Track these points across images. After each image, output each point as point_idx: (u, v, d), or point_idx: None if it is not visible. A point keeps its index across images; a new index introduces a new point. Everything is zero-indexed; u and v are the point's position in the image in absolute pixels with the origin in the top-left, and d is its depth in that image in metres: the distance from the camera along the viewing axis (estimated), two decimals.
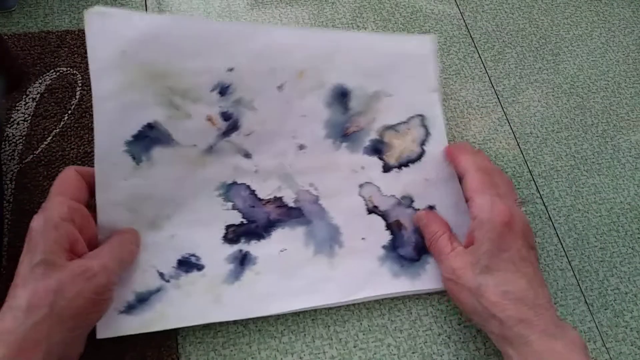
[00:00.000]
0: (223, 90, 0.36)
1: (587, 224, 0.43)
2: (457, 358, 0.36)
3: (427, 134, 0.41)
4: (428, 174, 0.40)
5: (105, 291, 0.30)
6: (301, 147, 0.39)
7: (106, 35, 0.33)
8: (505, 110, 0.48)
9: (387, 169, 0.40)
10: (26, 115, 0.42)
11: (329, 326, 0.37)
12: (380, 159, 0.40)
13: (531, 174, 0.45)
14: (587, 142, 0.47)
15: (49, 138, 0.41)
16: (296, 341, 0.36)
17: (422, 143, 0.41)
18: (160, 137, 0.35)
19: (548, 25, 0.54)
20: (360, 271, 0.38)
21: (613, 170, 0.46)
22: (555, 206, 0.44)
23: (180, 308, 0.35)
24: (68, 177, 0.33)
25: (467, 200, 0.36)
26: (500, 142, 0.46)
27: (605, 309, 0.39)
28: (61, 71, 0.44)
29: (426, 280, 0.38)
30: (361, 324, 0.37)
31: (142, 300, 0.34)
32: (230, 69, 0.36)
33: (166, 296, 0.35)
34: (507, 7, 0.54)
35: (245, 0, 0.51)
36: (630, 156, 0.47)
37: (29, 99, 0.43)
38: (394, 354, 0.36)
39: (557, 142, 0.47)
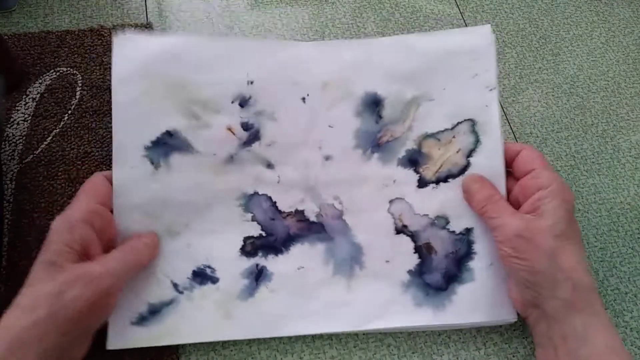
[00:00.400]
0: (243, 102, 0.36)
1: (587, 224, 0.43)
2: (457, 358, 0.36)
3: (477, 142, 0.37)
4: None
5: (105, 296, 0.29)
6: (327, 157, 0.37)
7: (130, 52, 0.35)
8: (505, 110, 0.48)
9: (422, 184, 0.37)
10: (26, 115, 0.42)
11: None
12: (416, 172, 0.37)
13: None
14: (587, 142, 0.47)
15: (49, 138, 0.41)
16: (296, 341, 0.36)
17: (469, 154, 0.37)
18: (180, 145, 0.35)
19: (548, 25, 0.54)
20: (380, 297, 0.36)
21: (613, 170, 0.46)
22: None
23: (191, 322, 0.34)
24: (96, 181, 0.33)
25: (522, 175, 0.35)
26: None
27: (605, 309, 0.39)
28: (61, 71, 0.44)
29: (450, 313, 0.35)
30: None
31: (154, 312, 0.34)
32: (251, 82, 0.36)
33: (178, 309, 0.34)
34: (507, 7, 0.54)
35: (245, 0, 0.51)
36: (630, 156, 0.47)
37: (29, 99, 0.43)
38: (394, 354, 0.36)
39: (557, 142, 0.47)
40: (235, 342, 0.35)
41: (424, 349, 0.36)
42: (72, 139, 0.41)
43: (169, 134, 0.35)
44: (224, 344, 0.35)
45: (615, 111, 0.49)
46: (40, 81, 0.44)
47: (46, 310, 0.27)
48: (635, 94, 0.50)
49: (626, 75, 0.51)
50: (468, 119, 0.37)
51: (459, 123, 0.37)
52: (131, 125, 0.35)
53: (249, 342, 0.36)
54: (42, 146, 0.41)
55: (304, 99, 0.37)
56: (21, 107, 0.42)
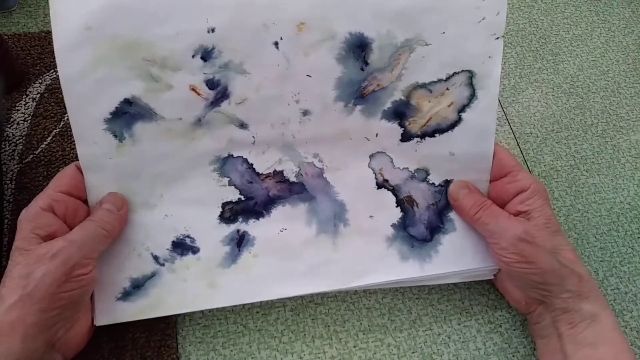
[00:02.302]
0: (206, 55, 0.32)
1: (586, 224, 0.43)
2: (457, 358, 0.36)
3: (472, 97, 0.34)
4: (456, 148, 0.35)
5: (74, 267, 0.29)
6: (305, 112, 0.34)
7: (69, 12, 0.31)
8: (505, 110, 0.48)
9: (406, 137, 0.35)
10: (26, 115, 0.42)
11: (329, 326, 0.37)
12: (401, 125, 0.35)
13: (531, 174, 0.45)
14: (587, 142, 0.47)
15: (49, 138, 0.41)
16: (296, 341, 0.36)
17: (462, 109, 0.34)
18: (142, 112, 0.33)
19: (548, 25, 0.54)
20: (366, 253, 0.35)
21: (613, 170, 0.46)
22: (555, 206, 0.44)
23: (176, 294, 0.34)
24: (64, 170, 0.33)
25: (497, 177, 0.36)
26: (500, 142, 0.46)
27: None
28: None
29: (437, 263, 0.35)
30: (361, 324, 0.37)
31: (138, 286, 0.34)
32: (212, 30, 0.32)
33: (161, 281, 0.34)
34: (507, 7, 0.54)
35: None
36: (630, 156, 0.47)
37: (29, 99, 0.43)
38: (394, 354, 0.36)
39: (557, 142, 0.47)
40: (235, 342, 0.35)
41: (424, 349, 0.36)
42: (72, 138, 0.41)
43: (127, 102, 0.32)
44: (224, 344, 0.35)
45: (615, 111, 0.49)
46: (40, 81, 0.44)
47: (19, 292, 0.28)
48: (635, 94, 0.50)
49: (626, 75, 0.51)
50: (466, 70, 0.34)
51: (455, 73, 0.34)
52: (85, 99, 0.32)
53: (249, 341, 0.36)
54: (42, 146, 0.41)
55: (276, 44, 0.33)
56: (21, 107, 0.42)
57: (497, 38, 0.33)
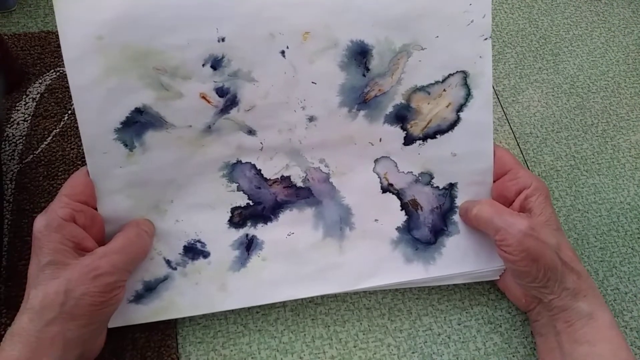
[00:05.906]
0: (216, 64, 0.33)
1: (586, 224, 0.43)
2: (457, 358, 0.36)
3: (468, 96, 0.36)
4: (457, 148, 0.36)
5: (113, 289, 0.30)
6: (311, 118, 0.35)
7: (78, 21, 0.31)
8: (505, 110, 0.48)
9: (409, 141, 0.36)
10: (26, 115, 0.42)
11: (329, 326, 0.37)
12: (403, 128, 0.36)
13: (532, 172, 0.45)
14: (587, 142, 0.47)
15: (49, 138, 0.41)
16: (296, 341, 0.36)
17: (459, 109, 0.36)
18: (152, 121, 0.33)
19: (548, 25, 0.54)
20: (371, 256, 0.36)
21: (613, 170, 0.46)
22: (555, 206, 0.44)
23: (187, 297, 0.34)
24: (76, 178, 0.33)
25: (501, 174, 0.36)
26: (500, 142, 0.46)
27: None
28: (61, 71, 0.44)
29: (441, 266, 0.36)
30: (361, 324, 0.37)
31: (150, 289, 0.34)
32: (222, 39, 0.33)
33: (173, 285, 0.35)
34: (507, 7, 0.54)
35: None
36: (630, 156, 0.47)
37: (29, 99, 0.43)
38: (394, 354, 0.36)
39: (557, 142, 0.47)
40: (235, 342, 0.35)
41: (424, 349, 0.36)
42: (72, 139, 0.41)
43: (138, 111, 0.33)
44: (224, 344, 0.35)
45: (615, 111, 0.49)
46: (40, 81, 0.44)
47: (58, 309, 0.28)
48: (635, 94, 0.50)
49: (626, 75, 0.51)
50: (460, 71, 0.35)
51: (450, 75, 0.36)
52: (96, 109, 0.32)
53: (249, 341, 0.36)
54: (42, 146, 0.41)
55: (283, 52, 0.34)
56: (21, 107, 0.42)
57: (486, 39, 0.35)
